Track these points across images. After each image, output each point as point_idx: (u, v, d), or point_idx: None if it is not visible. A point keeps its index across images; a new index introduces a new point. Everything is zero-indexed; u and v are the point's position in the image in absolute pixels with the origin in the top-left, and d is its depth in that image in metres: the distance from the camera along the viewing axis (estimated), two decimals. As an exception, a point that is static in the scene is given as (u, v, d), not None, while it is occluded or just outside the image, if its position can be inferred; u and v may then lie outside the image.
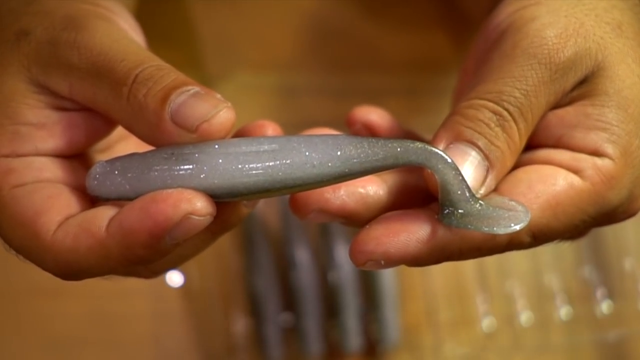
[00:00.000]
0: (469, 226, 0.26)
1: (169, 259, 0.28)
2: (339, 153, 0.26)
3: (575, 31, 0.29)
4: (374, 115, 0.34)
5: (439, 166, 0.26)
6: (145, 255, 0.26)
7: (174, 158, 0.26)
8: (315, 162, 0.26)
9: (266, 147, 0.26)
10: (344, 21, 0.57)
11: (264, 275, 0.53)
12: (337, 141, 0.27)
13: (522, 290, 0.58)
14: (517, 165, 0.29)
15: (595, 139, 0.29)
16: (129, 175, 0.26)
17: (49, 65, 0.28)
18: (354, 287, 0.54)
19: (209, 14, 0.56)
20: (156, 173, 0.26)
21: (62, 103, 0.28)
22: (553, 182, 0.28)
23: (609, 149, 0.29)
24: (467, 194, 0.27)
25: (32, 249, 0.27)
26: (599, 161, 0.28)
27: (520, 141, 0.28)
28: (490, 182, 0.28)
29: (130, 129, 0.27)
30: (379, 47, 0.57)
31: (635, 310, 0.59)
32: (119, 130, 0.31)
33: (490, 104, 0.28)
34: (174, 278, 0.54)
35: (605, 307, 0.58)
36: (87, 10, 0.29)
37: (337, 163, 0.26)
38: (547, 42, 0.29)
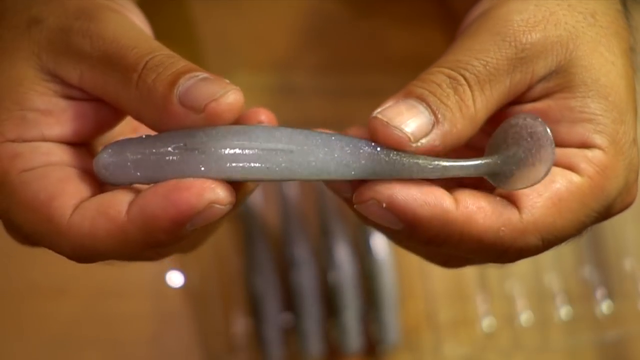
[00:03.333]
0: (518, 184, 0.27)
1: (182, 243, 0.29)
2: (355, 164, 0.27)
3: (545, 18, 0.29)
4: None
5: (457, 173, 0.27)
6: (164, 240, 0.26)
7: (187, 151, 0.26)
8: (330, 171, 0.26)
9: (283, 146, 0.26)
10: (344, 21, 0.57)
11: (264, 275, 0.53)
12: (357, 149, 0.27)
13: (522, 290, 0.58)
14: None
15: (582, 131, 0.29)
16: (142, 165, 0.26)
17: (60, 53, 0.28)
18: (354, 287, 0.54)
19: (209, 14, 0.56)
20: (170, 166, 0.26)
21: (71, 92, 0.29)
22: (552, 180, 0.28)
23: (597, 139, 0.28)
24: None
25: (46, 233, 0.27)
26: (589, 153, 0.28)
27: (475, 109, 0.28)
28: (435, 136, 0.27)
29: (138, 115, 0.27)
30: (379, 46, 0.57)
31: (635, 310, 0.59)
32: (122, 125, 0.31)
33: (446, 70, 0.28)
34: (175, 278, 0.54)
35: (605, 307, 0.58)
36: (100, 3, 0.30)
37: (351, 173, 0.27)
38: (512, 24, 0.28)
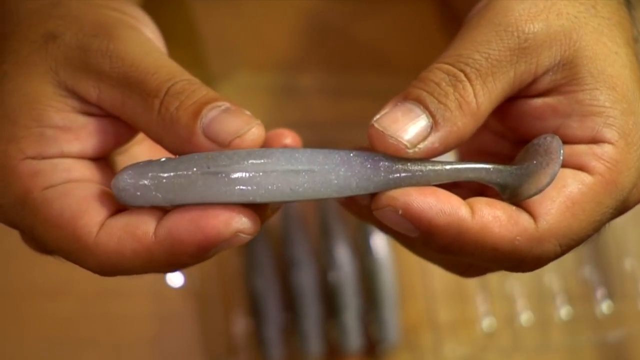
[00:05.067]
0: (530, 192, 0.27)
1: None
2: (375, 178, 0.27)
3: (547, 8, 0.28)
4: None
5: (470, 175, 0.27)
6: (188, 262, 0.27)
7: (212, 176, 0.26)
8: (353, 187, 0.27)
9: (304, 167, 0.26)
10: (344, 21, 0.57)
11: (264, 275, 0.53)
12: (376, 163, 0.27)
13: (522, 290, 0.58)
14: None
15: (592, 125, 0.28)
16: (163, 188, 0.26)
17: (78, 70, 0.28)
18: (354, 287, 0.54)
19: (209, 14, 0.56)
20: (193, 189, 0.26)
21: (89, 108, 0.28)
22: (563, 184, 0.27)
23: (607, 133, 0.28)
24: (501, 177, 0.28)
25: (73, 250, 0.27)
26: (598, 150, 0.28)
27: (477, 104, 0.27)
28: (434, 139, 0.27)
29: (159, 140, 0.27)
30: (379, 46, 0.57)
31: (635, 310, 0.59)
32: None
33: (445, 66, 0.28)
34: (175, 279, 0.54)
35: (605, 307, 0.58)
36: (116, 18, 0.29)
37: (372, 187, 0.27)
38: (514, 13, 0.28)
